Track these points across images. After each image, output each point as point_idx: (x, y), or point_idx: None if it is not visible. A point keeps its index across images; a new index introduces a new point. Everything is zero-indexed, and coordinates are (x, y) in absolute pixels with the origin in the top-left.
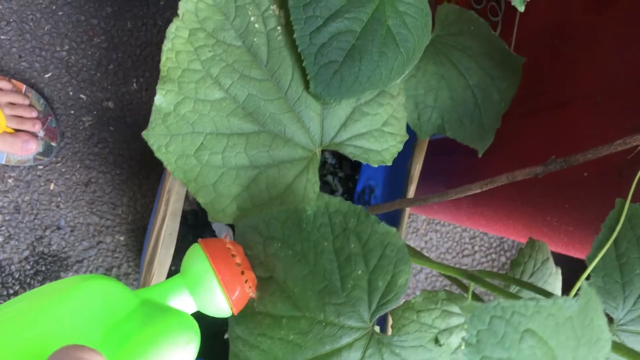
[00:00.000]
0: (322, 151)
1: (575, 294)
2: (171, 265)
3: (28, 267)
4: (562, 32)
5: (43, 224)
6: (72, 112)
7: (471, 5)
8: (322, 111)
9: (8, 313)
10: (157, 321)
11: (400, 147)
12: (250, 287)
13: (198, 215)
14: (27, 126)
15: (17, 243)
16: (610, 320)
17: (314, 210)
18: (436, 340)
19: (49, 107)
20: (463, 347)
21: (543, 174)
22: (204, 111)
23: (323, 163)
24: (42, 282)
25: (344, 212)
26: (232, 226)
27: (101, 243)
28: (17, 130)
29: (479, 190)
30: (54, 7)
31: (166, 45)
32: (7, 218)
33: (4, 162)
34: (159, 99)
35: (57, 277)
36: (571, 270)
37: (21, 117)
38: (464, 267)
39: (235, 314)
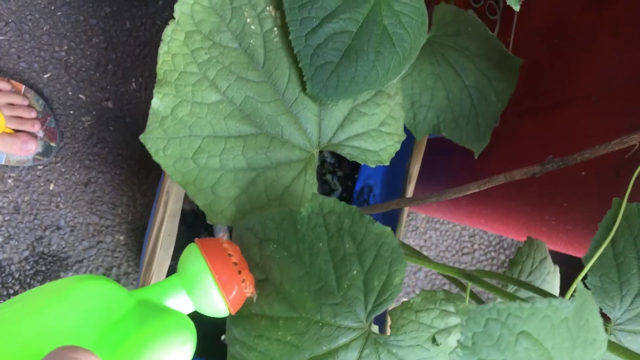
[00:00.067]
0: (321, 151)
1: (572, 295)
2: (170, 266)
3: (28, 267)
4: (560, 31)
5: (43, 224)
6: (71, 112)
7: (469, 4)
8: (319, 112)
9: (4, 314)
10: (153, 321)
11: (398, 146)
12: (247, 286)
13: (198, 215)
14: (26, 126)
15: (17, 243)
16: (608, 319)
17: (309, 211)
18: (433, 340)
19: (48, 108)
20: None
21: (540, 174)
22: (201, 114)
23: (322, 162)
24: (42, 282)
25: (338, 212)
26: (231, 227)
27: (101, 243)
28: (16, 131)
29: (477, 190)
30: (52, 8)
31: (162, 48)
32: (6, 218)
33: (3, 163)
34: (155, 103)
35: (57, 277)
36: (570, 269)
37: (20, 117)
38: (463, 265)
39: (233, 313)
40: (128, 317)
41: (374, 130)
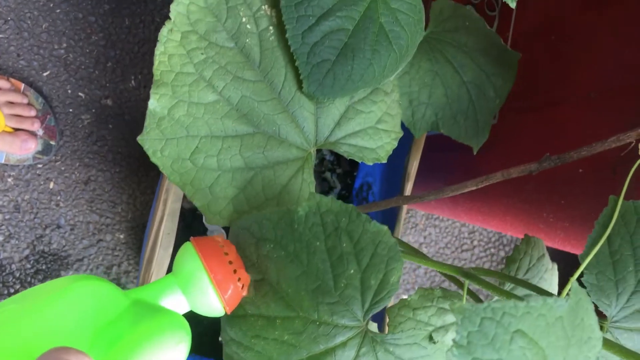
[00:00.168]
0: (319, 149)
1: (568, 293)
2: (170, 265)
3: (28, 265)
4: (559, 29)
5: (43, 222)
6: (70, 110)
7: (468, 0)
8: (316, 110)
9: None
10: (148, 321)
11: (395, 144)
12: (243, 285)
13: (197, 214)
14: (26, 125)
15: (17, 242)
16: (604, 317)
17: (306, 210)
18: (430, 338)
19: (48, 106)
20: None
21: (537, 171)
22: (198, 114)
23: (321, 160)
24: (42, 281)
25: (335, 211)
26: (227, 228)
27: (101, 241)
28: (16, 129)
29: (474, 188)
30: (51, 5)
31: (159, 49)
32: (7, 217)
33: (3, 161)
34: (152, 104)
35: (58, 276)
36: (568, 266)
37: (20, 116)
38: (463, 262)
39: (229, 312)
40: (123, 317)
41: (371, 127)
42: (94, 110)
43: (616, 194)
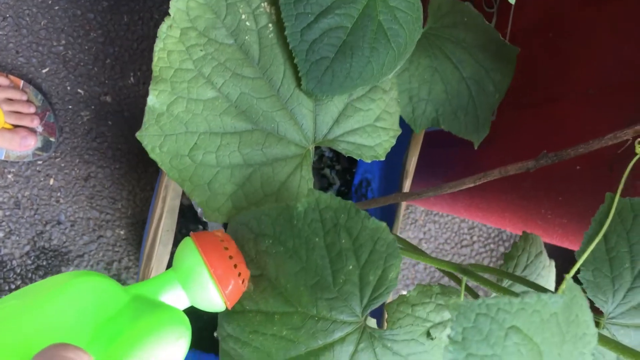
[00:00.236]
0: (318, 146)
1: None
2: (169, 261)
3: (29, 262)
4: (557, 25)
5: (43, 219)
6: (70, 107)
7: None
8: (315, 108)
9: None
10: (147, 317)
11: (393, 142)
12: (243, 280)
13: (196, 210)
14: (25, 122)
15: (18, 238)
16: (601, 313)
17: (305, 206)
18: (428, 334)
19: (47, 103)
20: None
21: (535, 169)
22: (196, 111)
23: (320, 156)
24: (43, 277)
25: (334, 207)
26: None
27: (101, 237)
28: (15, 126)
29: (472, 185)
30: (50, 2)
31: (158, 45)
32: (7, 213)
33: (3, 158)
34: (151, 100)
35: (58, 272)
36: (566, 263)
37: (19, 112)
38: (462, 257)
39: (229, 308)
40: (122, 312)
41: (369, 125)
42: (93, 107)
43: (613, 191)
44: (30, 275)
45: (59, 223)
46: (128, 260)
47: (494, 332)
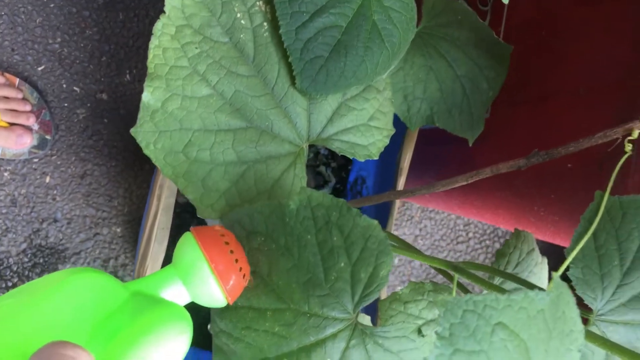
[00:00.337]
0: (312, 144)
1: None
2: (164, 259)
3: (26, 259)
4: (549, 24)
5: (40, 216)
6: (65, 104)
7: None
8: (309, 106)
9: None
10: (148, 313)
11: (387, 141)
12: (244, 275)
13: (191, 208)
14: (21, 120)
15: (14, 236)
16: (590, 310)
17: (297, 204)
18: (419, 331)
19: (43, 100)
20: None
21: (526, 167)
22: (191, 108)
23: (316, 154)
24: (40, 275)
25: (326, 205)
26: None
27: (98, 235)
28: (11, 124)
29: (464, 183)
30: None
31: (153, 42)
32: (3, 211)
33: None
34: (146, 96)
35: (55, 269)
36: (559, 260)
37: (15, 110)
38: (458, 254)
39: (231, 303)
40: (122, 309)
41: (363, 124)
42: (89, 105)
43: (603, 189)
44: (27, 273)
45: (55, 221)
46: (125, 257)
47: (480, 328)
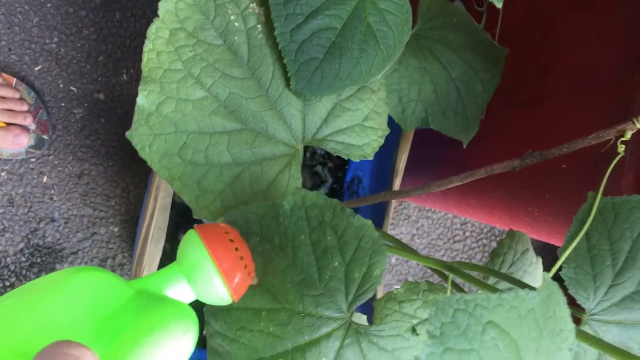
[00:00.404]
0: (307, 145)
1: None
2: (161, 259)
3: (23, 259)
4: (544, 25)
5: (37, 216)
6: (63, 104)
7: None
8: (303, 108)
9: None
10: (153, 311)
11: (382, 141)
12: (249, 272)
13: (189, 207)
14: (18, 120)
15: (11, 236)
16: (583, 310)
17: (291, 204)
18: (413, 330)
19: (40, 100)
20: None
21: (520, 167)
22: (186, 111)
23: (312, 153)
24: (37, 274)
25: (320, 205)
26: None
27: (95, 234)
28: (8, 124)
29: (459, 183)
30: None
31: (147, 46)
32: (1, 211)
33: None
34: (141, 100)
35: (52, 269)
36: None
37: (12, 110)
38: (455, 253)
39: (235, 301)
40: (126, 307)
41: (358, 125)
42: (86, 105)
43: (597, 189)
44: (24, 272)
45: (52, 220)
46: (122, 257)
47: (471, 327)
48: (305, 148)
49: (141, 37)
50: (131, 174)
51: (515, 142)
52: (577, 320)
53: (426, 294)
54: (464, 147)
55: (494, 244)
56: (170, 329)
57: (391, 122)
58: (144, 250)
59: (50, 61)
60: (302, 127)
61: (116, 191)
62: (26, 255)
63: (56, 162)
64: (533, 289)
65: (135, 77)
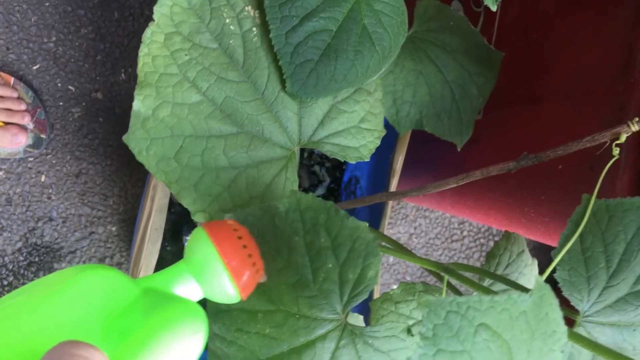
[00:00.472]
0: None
1: None
2: (158, 259)
3: (21, 258)
4: (541, 27)
5: (35, 215)
6: (61, 103)
7: None
8: (299, 110)
9: (3, 309)
10: (161, 310)
11: (378, 142)
12: (258, 270)
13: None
14: (16, 119)
15: (9, 235)
16: (577, 312)
17: (286, 206)
18: (408, 331)
19: (38, 99)
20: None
21: (516, 169)
22: (182, 115)
23: (310, 153)
24: (35, 273)
25: (314, 208)
26: None
27: (93, 234)
28: (6, 123)
29: (455, 185)
30: None
31: (142, 51)
32: None
33: None
34: (137, 104)
35: (51, 268)
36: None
37: (10, 109)
38: (452, 252)
39: (244, 299)
40: (134, 306)
41: (354, 127)
42: (84, 104)
43: (593, 191)
44: (22, 271)
45: (50, 219)
46: (120, 256)
47: (463, 328)
48: (302, 148)
49: (139, 36)
50: (129, 173)
51: (513, 142)
52: (571, 322)
53: (422, 295)
54: (459, 150)
55: (492, 244)
56: (179, 328)
57: (388, 123)
58: (141, 250)
59: (48, 60)
60: (298, 129)
61: (114, 190)
62: (24, 254)
63: (54, 161)
64: (526, 291)
65: (134, 77)
